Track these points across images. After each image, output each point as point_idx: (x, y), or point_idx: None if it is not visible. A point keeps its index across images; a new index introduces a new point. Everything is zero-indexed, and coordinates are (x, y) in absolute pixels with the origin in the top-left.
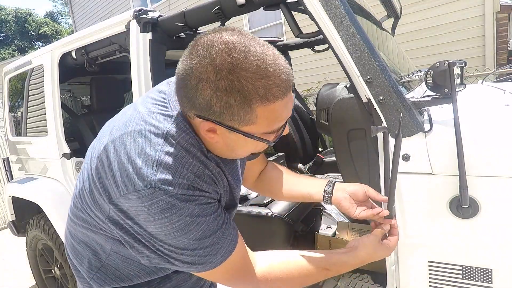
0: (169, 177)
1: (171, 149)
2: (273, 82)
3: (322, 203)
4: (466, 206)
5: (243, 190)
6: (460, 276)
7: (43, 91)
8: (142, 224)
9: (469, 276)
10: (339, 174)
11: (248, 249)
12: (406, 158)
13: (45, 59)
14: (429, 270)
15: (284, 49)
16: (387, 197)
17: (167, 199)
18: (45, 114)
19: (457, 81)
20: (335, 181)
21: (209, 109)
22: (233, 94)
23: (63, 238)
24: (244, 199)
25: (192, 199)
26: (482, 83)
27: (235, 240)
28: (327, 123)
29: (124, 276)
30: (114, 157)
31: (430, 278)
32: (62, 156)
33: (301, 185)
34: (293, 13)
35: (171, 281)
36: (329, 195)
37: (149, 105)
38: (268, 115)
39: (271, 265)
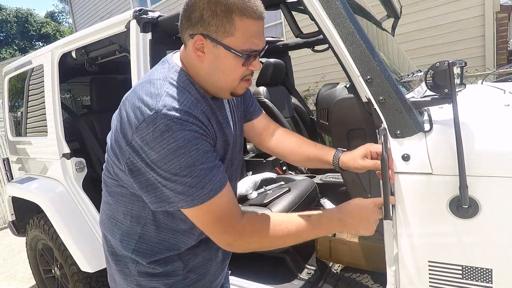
0: (168, 103)
1: (170, 86)
2: (250, 3)
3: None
4: (466, 206)
5: (243, 190)
6: (460, 276)
7: (43, 91)
8: (147, 155)
9: (469, 276)
10: (339, 174)
11: (238, 204)
12: (406, 158)
13: (45, 59)
14: (429, 270)
15: (284, 49)
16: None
17: (166, 121)
18: (45, 114)
19: (457, 81)
20: (344, 150)
21: (201, 19)
22: (219, 5)
23: (63, 239)
24: (244, 199)
25: (187, 124)
26: (482, 83)
27: (223, 183)
28: (327, 123)
29: (159, 248)
30: (128, 104)
31: (430, 278)
32: (62, 156)
33: (315, 148)
34: (293, 13)
35: (198, 258)
36: (337, 159)
37: (151, 70)
38: (244, 31)
39: (256, 216)
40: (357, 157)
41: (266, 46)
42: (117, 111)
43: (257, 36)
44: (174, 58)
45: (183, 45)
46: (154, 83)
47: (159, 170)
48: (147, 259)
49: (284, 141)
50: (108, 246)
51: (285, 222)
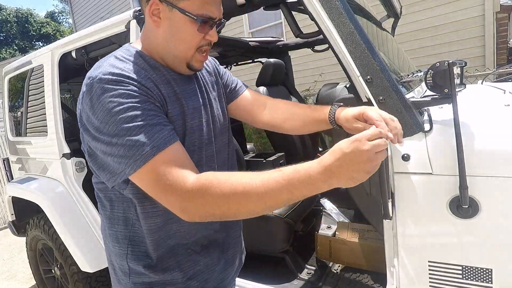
0: (105, 69)
1: (114, 58)
2: None
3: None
4: (466, 206)
5: None
6: (460, 276)
7: (43, 91)
8: (91, 125)
9: (469, 276)
10: None
11: (190, 165)
12: (406, 158)
13: (45, 59)
14: (429, 270)
15: (284, 49)
16: (380, 120)
17: (101, 84)
18: (45, 114)
19: (457, 81)
20: (341, 105)
21: None
22: None
23: (63, 239)
24: None
25: (123, 84)
26: (482, 83)
27: (168, 141)
28: None
29: (150, 251)
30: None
31: (430, 278)
32: (62, 156)
33: (309, 110)
34: (293, 13)
35: (199, 265)
36: (333, 114)
37: None
38: None
39: (209, 173)
40: (350, 118)
41: (224, 21)
42: None
43: (212, 4)
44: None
45: None
46: (101, 60)
47: (101, 136)
48: (143, 262)
49: (278, 111)
50: (107, 256)
51: (246, 177)
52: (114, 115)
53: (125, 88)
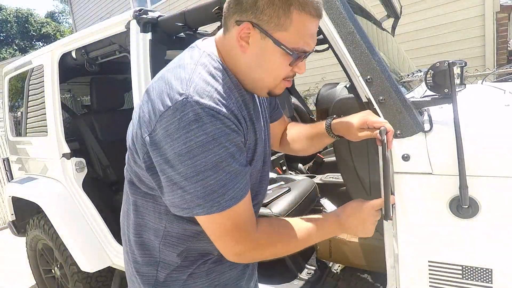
0: (201, 88)
1: (203, 70)
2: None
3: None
4: (466, 206)
5: None
6: (460, 276)
7: (43, 91)
8: (169, 148)
9: (469, 276)
10: (339, 174)
11: (254, 213)
12: (406, 158)
13: (45, 59)
14: (429, 270)
15: None
16: (385, 121)
17: (197, 109)
18: (45, 114)
19: (457, 81)
20: (334, 117)
21: (254, 6)
22: None
23: (63, 239)
24: None
25: (219, 116)
26: (482, 83)
27: (246, 191)
28: None
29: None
30: (153, 92)
31: (430, 278)
32: (62, 156)
33: (310, 127)
34: None
35: (224, 276)
36: (329, 124)
37: (180, 56)
38: (300, 27)
39: (270, 227)
40: (353, 127)
41: (311, 53)
42: (140, 101)
43: (311, 36)
44: (205, 44)
45: (221, 30)
46: (185, 67)
47: (180, 166)
48: (173, 265)
49: (289, 135)
50: (131, 257)
51: (296, 231)
52: (203, 152)
53: (221, 122)
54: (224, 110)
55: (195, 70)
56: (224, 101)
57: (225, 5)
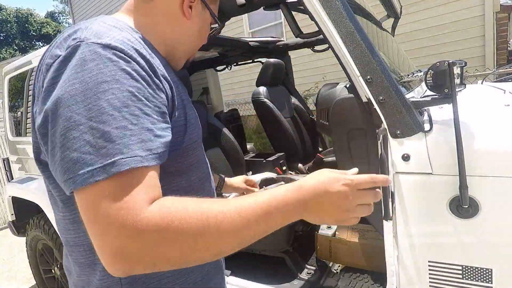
0: (99, 32)
1: (109, 21)
2: None
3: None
4: (466, 206)
5: None
6: (460, 276)
7: None
8: (54, 96)
9: (469, 276)
10: None
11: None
12: (406, 158)
13: None
14: (429, 270)
15: (284, 49)
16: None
17: (95, 49)
18: None
19: (457, 81)
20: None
21: None
22: None
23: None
24: None
25: (120, 56)
26: (482, 83)
27: (155, 152)
28: (327, 123)
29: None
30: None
31: (430, 278)
32: None
33: None
34: (293, 13)
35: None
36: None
37: None
38: (217, 1)
39: (180, 201)
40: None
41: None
42: None
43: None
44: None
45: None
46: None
47: (65, 112)
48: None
49: None
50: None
51: (217, 203)
52: (102, 91)
53: (123, 62)
54: (131, 52)
55: (93, 22)
56: (129, 44)
57: None
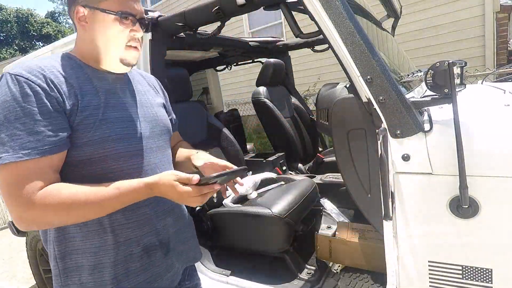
0: (17, 65)
1: (39, 59)
2: None
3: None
4: (466, 206)
5: (243, 190)
6: (460, 276)
7: None
8: None
9: (469, 276)
10: (339, 174)
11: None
12: (406, 158)
13: None
14: (429, 270)
15: (284, 49)
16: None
17: (4, 79)
18: None
19: (457, 81)
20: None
21: None
22: None
23: None
24: (244, 199)
25: (21, 79)
26: (482, 83)
27: (38, 149)
28: (327, 123)
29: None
30: None
31: (430, 278)
32: None
33: (184, 153)
34: (293, 13)
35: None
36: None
37: None
38: None
39: (58, 189)
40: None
41: (145, 17)
42: None
43: (131, 1)
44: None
45: None
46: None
47: None
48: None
49: (173, 151)
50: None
51: (85, 191)
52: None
53: (24, 84)
54: (31, 75)
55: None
56: (36, 69)
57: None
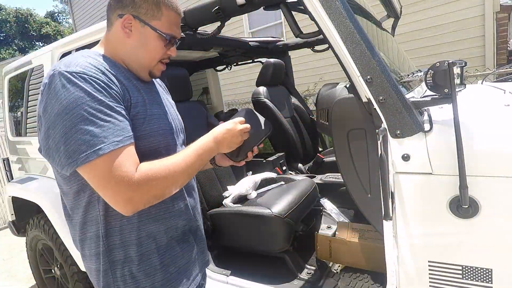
0: (68, 62)
1: (79, 55)
2: (174, 1)
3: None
4: (466, 206)
5: (243, 190)
6: (460, 276)
7: None
8: (47, 115)
9: (469, 276)
10: (339, 174)
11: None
12: (406, 158)
13: (45, 59)
14: (429, 270)
15: (284, 49)
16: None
17: (64, 79)
18: None
19: (457, 81)
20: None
21: (132, 2)
22: None
23: (63, 239)
24: (244, 199)
25: (86, 78)
26: (482, 83)
27: (126, 136)
28: (327, 123)
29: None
30: None
31: (430, 278)
32: None
33: None
34: (293, 13)
35: (182, 258)
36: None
37: None
38: (168, 18)
39: (151, 164)
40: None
41: (179, 41)
42: None
43: (177, 26)
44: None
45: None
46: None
47: (58, 123)
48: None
49: None
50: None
51: (171, 159)
52: (78, 105)
53: (90, 81)
54: (91, 72)
55: (71, 56)
56: (90, 67)
57: (107, 5)
